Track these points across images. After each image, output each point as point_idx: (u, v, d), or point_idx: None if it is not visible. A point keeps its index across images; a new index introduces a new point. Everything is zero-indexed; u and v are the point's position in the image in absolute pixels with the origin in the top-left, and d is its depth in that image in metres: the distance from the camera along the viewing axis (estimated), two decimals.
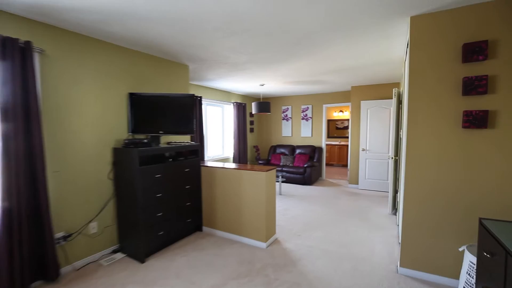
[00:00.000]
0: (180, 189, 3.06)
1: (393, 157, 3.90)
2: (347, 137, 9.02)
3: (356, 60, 3.54)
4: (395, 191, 4.02)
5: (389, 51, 3.18)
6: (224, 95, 6.27)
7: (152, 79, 3.25)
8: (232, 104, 6.48)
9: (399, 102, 3.93)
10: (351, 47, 2.98)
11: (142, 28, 2.40)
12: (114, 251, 2.83)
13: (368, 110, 5.41)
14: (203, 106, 5.69)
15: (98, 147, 2.69)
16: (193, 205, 3.27)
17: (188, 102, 3.00)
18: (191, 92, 5.23)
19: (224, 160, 6.36)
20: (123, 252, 2.82)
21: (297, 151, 6.74)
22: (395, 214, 3.95)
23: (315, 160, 6.46)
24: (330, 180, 6.68)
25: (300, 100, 7.07)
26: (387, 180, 5.29)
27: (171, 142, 3.32)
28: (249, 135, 7.32)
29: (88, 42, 2.57)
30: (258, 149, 7.32)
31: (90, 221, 2.64)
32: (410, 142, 2.24)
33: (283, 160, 6.63)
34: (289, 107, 7.22)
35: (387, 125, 5.22)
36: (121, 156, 2.72)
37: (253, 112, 5.41)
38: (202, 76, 4.57)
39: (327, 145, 8.86)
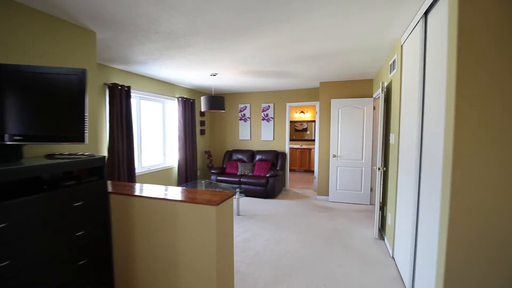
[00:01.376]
0: (64, 239, 1.71)
1: (380, 167, 3.12)
2: (307, 140, 8.39)
3: (341, 41, 2.64)
4: (381, 208, 3.26)
5: (386, 30, 2.34)
6: (165, 87, 4.90)
7: (23, 46, 1.82)
8: (176, 99, 5.14)
9: (386, 100, 3.18)
10: (341, 17, 2.03)
11: None
12: None
13: (340, 110, 4.65)
14: (134, 100, 4.25)
15: None
16: (94, 263, 1.92)
17: (74, 83, 1.64)
18: (114, 80, 3.76)
19: (167, 170, 4.97)
20: None
21: (257, 157, 5.71)
22: (382, 239, 3.18)
23: (278, 168, 5.52)
24: (295, 190, 5.81)
25: (261, 97, 6.07)
26: (361, 191, 4.60)
27: (55, 155, 1.93)
28: (199, 138, 6.04)
29: None
30: (210, 155, 6.09)
31: None
32: (458, 153, 1.35)
33: (241, 169, 5.53)
34: (248, 105, 6.17)
35: (361, 127, 4.53)
36: None
37: (203, 109, 4.19)
38: (127, 55, 3.19)
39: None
